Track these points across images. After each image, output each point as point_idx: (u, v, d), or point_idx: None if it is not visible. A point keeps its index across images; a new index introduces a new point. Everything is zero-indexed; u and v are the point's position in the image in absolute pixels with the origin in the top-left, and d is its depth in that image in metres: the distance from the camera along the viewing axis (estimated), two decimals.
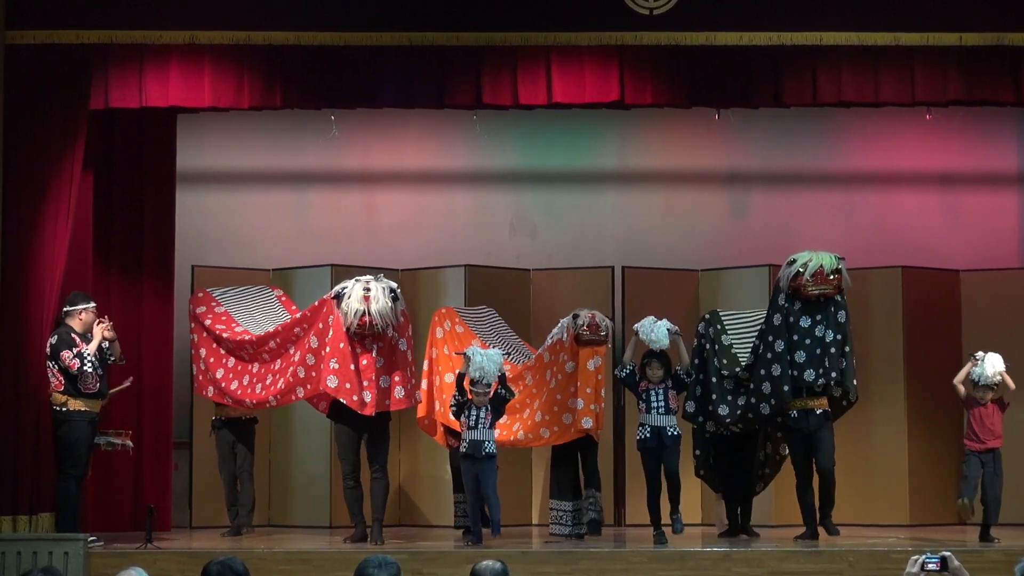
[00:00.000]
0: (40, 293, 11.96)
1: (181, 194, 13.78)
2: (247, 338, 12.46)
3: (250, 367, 12.47)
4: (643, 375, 11.83)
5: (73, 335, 11.75)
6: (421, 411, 12.61)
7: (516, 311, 13.84)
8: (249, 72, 12.28)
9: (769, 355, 12.00)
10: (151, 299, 13.43)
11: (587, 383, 12.07)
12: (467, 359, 11.66)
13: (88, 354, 11.68)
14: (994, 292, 14.09)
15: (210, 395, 12.70)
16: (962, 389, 11.88)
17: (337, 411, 12.03)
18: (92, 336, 11.81)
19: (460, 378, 11.72)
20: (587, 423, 12.03)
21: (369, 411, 11.74)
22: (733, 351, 12.48)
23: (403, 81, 12.37)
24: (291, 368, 12.09)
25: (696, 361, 12.28)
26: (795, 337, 11.95)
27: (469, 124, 13.79)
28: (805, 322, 11.97)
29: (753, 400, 12.07)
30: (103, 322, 11.88)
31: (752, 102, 12.81)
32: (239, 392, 12.40)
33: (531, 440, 12.43)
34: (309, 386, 12.02)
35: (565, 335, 12.20)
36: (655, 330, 11.75)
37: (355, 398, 11.70)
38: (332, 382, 11.68)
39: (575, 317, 12.14)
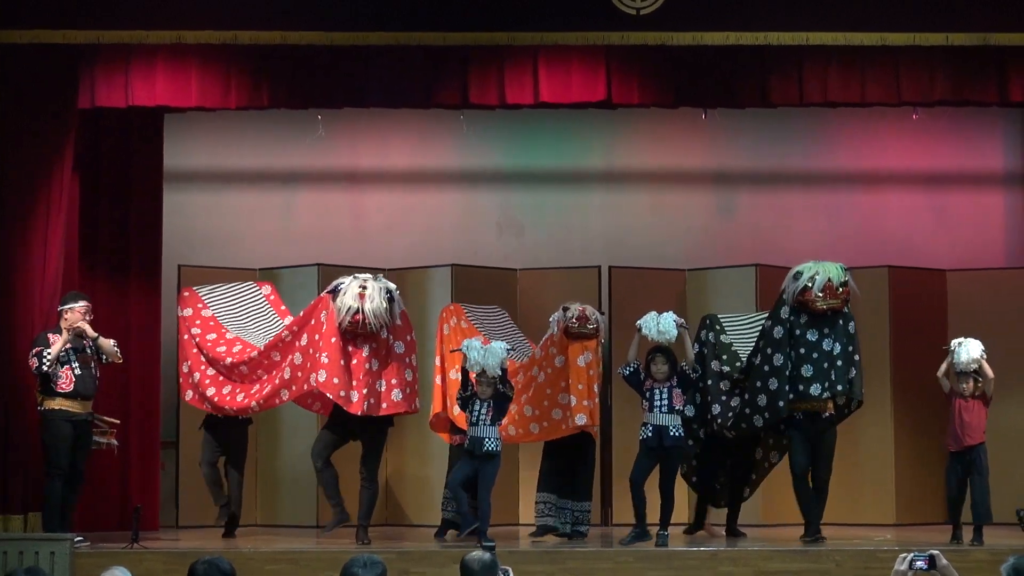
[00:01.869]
0: (30, 293, 11.98)
1: (168, 194, 13.76)
2: (243, 357, 12.21)
3: (227, 370, 12.36)
4: (647, 373, 11.65)
5: (50, 335, 11.70)
6: (436, 407, 12.54)
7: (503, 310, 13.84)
8: (236, 72, 12.29)
9: (766, 368, 11.90)
10: (138, 299, 13.40)
11: (578, 379, 11.99)
12: (464, 355, 11.61)
13: (47, 354, 11.61)
14: (980, 292, 14.11)
15: (188, 399, 12.65)
16: (946, 382, 11.84)
17: (336, 411, 11.97)
18: (80, 336, 11.75)
19: (465, 373, 11.63)
20: (580, 419, 11.95)
21: (354, 410, 11.64)
22: (733, 348, 12.45)
23: (390, 81, 12.39)
24: (277, 370, 12.02)
25: (708, 367, 12.19)
26: (802, 351, 11.81)
27: (456, 124, 13.79)
28: (812, 335, 11.83)
29: (748, 410, 12.01)
30: (77, 324, 11.75)
31: (738, 102, 12.84)
32: (217, 399, 12.25)
33: (522, 435, 12.37)
34: (295, 387, 11.88)
35: (555, 328, 12.17)
36: (662, 321, 11.55)
37: (342, 394, 11.61)
38: (321, 376, 11.60)
39: (565, 310, 12.10)
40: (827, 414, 11.88)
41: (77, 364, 11.70)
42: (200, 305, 12.75)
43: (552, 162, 15.28)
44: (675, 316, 11.67)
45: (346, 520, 11.92)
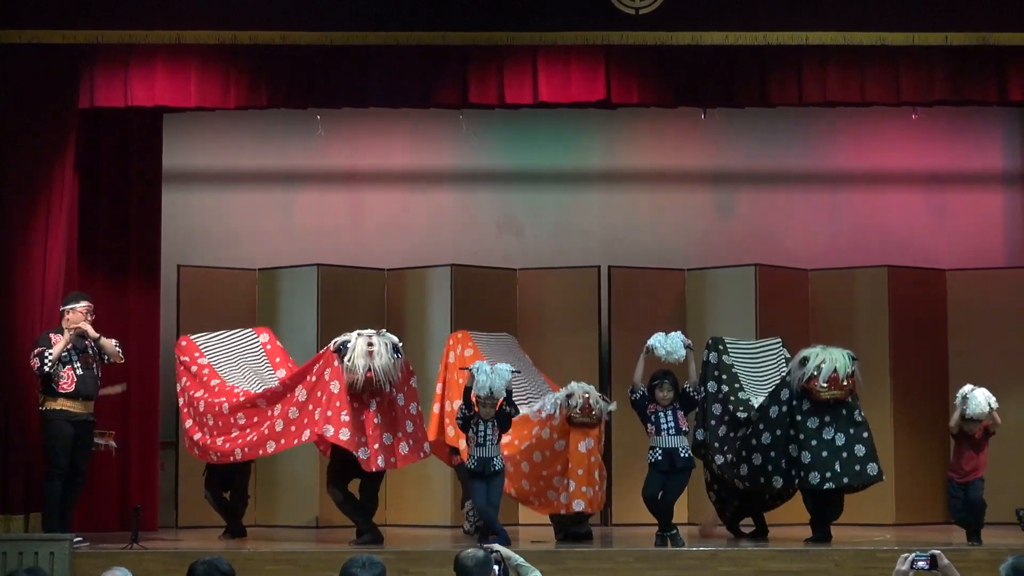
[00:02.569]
0: (31, 293, 11.98)
1: (167, 193, 13.76)
2: (229, 400, 12.09)
3: (217, 419, 12.18)
4: (652, 397, 11.50)
5: (52, 335, 11.69)
6: (431, 435, 12.46)
7: (502, 311, 13.84)
8: (235, 72, 12.29)
9: (754, 442, 11.80)
10: (137, 299, 13.40)
11: (578, 464, 11.87)
12: (472, 375, 11.50)
13: (49, 354, 11.61)
14: (980, 291, 14.11)
15: (187, 448, 12.61)
16: (955, 428, 11.69)
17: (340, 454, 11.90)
18: (82, 337, 11.75)
19: (467, 392, 11.52)
20: (579, 506, 11.88)
21: (369, 467, 11.54)
22: (734, 370, 12.37)
23: (389, 80, 12.38)
24: (263, 420, 11.89)
25: (703, 389, 12.06)
26: (801, 436, 11.65)
27: (455, 123, 13.78)
28: (812, 423, 11.66)
29: (732, 471, 11.97)
30: (78, 324, 11.74)
31: (737, 102, 12.83)
32: (202, 442, 12.18)
33: (520, 500, 12.38)
34: (284, 440, 11.77)
35: (557, 413, 12.04)
36: (669, 342, 11.45)
37: (362, 453, 11.49)
38: (344, 435, 11.41)
39: (568, 397, 11.96)
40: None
41: (79, 364, 11.69)
42: (197, 354, 12.59)
43: (551, 162, 15.27)
44: (682, 336, 11.58)
45: (378, 543, 11.74)
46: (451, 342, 12.72)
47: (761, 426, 11.78)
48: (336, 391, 11.51)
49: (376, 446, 11.54)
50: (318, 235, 14.85)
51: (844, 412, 11.70)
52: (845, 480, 11.61)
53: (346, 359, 11.48)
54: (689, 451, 11.57)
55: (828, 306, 13.55)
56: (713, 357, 12.38)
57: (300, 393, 11.74)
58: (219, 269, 14.11)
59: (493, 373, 11.45)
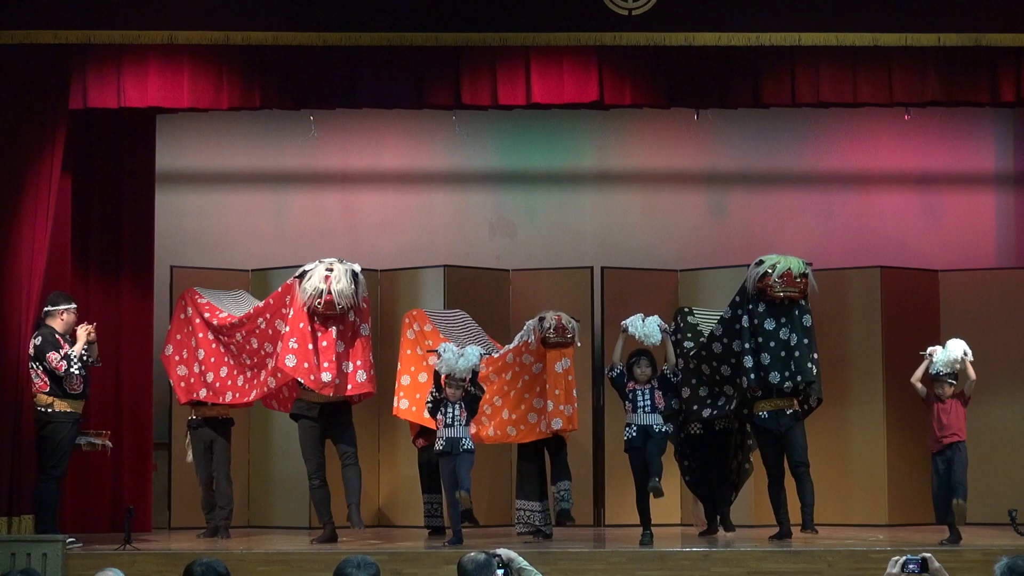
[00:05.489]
0: (18, 294, 11.91)
1: (160, 194, 13.76)
2: (229, 322, 12.48)
3: (224, 361, 12.53)
4: (630, 375, 11.78)
5: (56, 336, 11.72)
6: (395, 410, 12.61)
7: (495, 311, 13.84)
8: (228, 72, 12.27)
9: (733, 360, 12.06)
10: (130, 300, 13.39)
11: (556, 385, 12.07)
12: (439, 355, 11.65)
13: (75, 355, 11.65)
14: (972, 292, 14.12)
15: (185, 390, 12.68)
16: (921, 387, 11.78)
17: (297, 411, 12.15)
18: (73, 337, 11.77)
19: (437, 375, 11.68)
20: (556, 424, 12.05)
21: (328, 391, 11.87)
22: (699, 328, 12.61)
23: (382, 81, 12.37)
24: (267, 359, 12.21)
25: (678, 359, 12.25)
26: (759, 339, 11.95)
27: (448, 124, 13.78)
28: (769, 324, 11.97)
29: (725, 397, 12.15)
30: (87, 324, 11.83)
31: (731, 103, 12.83)
32: (218, 385, 12.46)
33: (499, 437, 12.43)
34: (279, 375, 12.10)
35: (531, 337, 12.22)
36: (647, 325, 11.74)
37: (312, 377, 11.82)
38: (290, 361, 11.79)
39: (541, 320, 12.19)
40: (791, 411, 11.95)
41: (81, 366, 11.74)
42: (198, 297, 12.85)
43: (544, 163, 15.28)
44: (659, 321, 11.83)
45: (334, 540, 11.99)
46: (407, 320, 12.77)
47: (723, 332, 12.14)
48: (291, 318, 11.88)
49: (335, 371, 11.85)
50: (311, 236, 14.84)
51: (797, 313, 12.00)
52: (799, 378, 11.89)
53: (303, 284, 11.85)
54: (663, 426, 11.75)
55: (820, 307, 13.51)
56: (679, 320, 12.67)
57: (280, 326, 12.01)
58: (212, 270, 14.10)
59: (461, 356, 11.56)
